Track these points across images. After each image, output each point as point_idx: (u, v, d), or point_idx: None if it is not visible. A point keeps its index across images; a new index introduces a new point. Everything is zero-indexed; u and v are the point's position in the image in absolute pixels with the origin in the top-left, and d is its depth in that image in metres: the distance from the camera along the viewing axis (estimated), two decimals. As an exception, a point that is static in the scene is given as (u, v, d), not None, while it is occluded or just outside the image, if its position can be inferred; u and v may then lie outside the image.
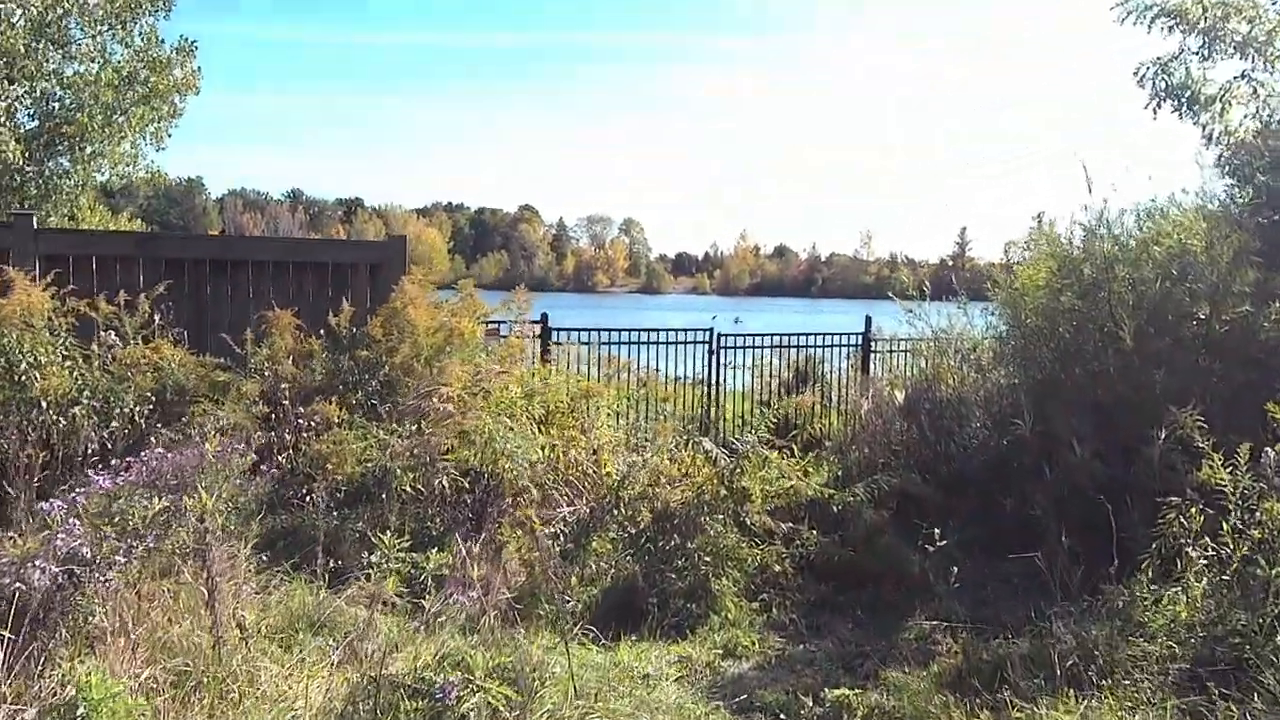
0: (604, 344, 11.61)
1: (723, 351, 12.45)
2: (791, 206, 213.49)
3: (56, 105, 33.54)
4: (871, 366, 13.09)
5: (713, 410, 12.46)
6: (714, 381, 12.46)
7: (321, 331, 8.42)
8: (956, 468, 8.33)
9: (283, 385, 7.62)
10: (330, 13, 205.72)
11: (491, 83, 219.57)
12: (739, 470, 7.61)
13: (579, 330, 11.63)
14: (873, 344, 13.13)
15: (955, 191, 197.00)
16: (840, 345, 13.13)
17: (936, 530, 6.37)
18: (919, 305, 10.94)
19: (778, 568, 7.24)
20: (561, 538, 6.83)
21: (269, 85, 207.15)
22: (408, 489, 6.86)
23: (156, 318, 7.97)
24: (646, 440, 9.20)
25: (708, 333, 12.38)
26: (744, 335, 12.61)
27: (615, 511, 7.08)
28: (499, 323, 10.55)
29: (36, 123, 33.53)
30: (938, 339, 10.93)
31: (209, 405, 7.22)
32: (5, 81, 31.92)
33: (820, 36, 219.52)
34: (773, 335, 12.82)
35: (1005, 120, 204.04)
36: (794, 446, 8.81)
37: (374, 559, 4.63)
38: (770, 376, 13.24)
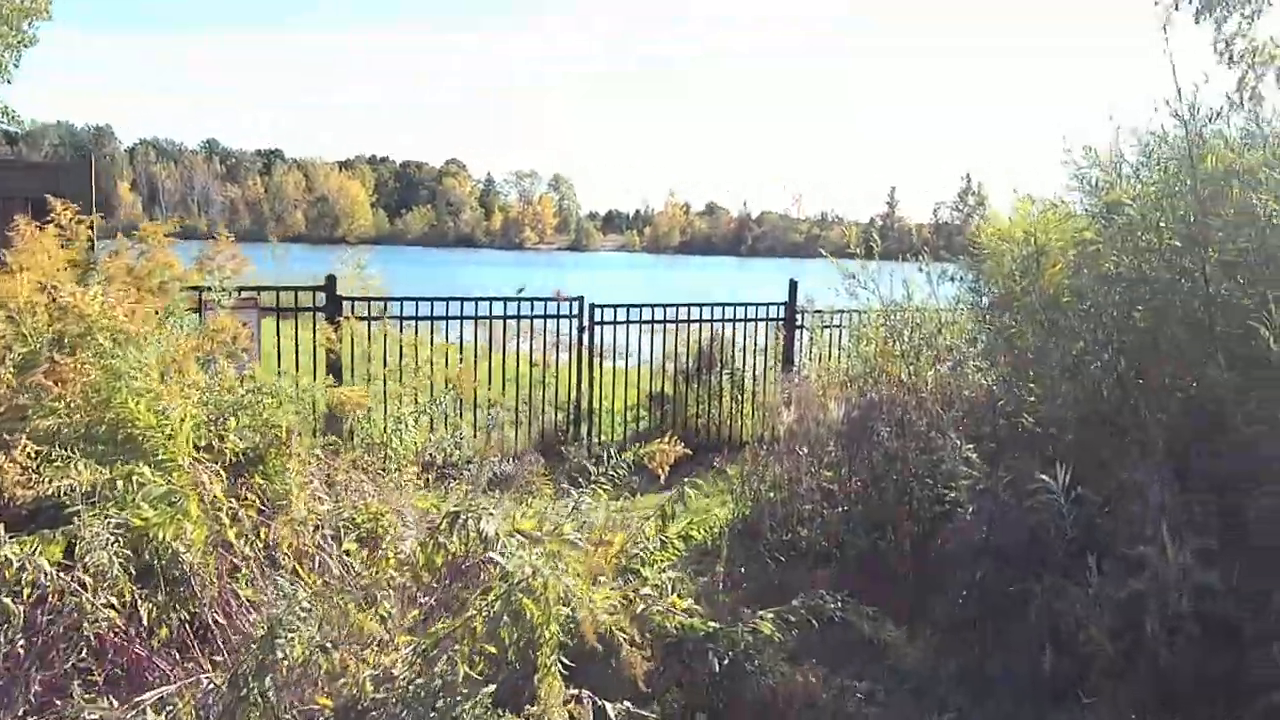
0: (410, 319, 8.14)
1: (600, 329, 9.05)
2: (723, 165, 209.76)
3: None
4: (798, 350, 9.81)
5: (586, 404, 9.07)
6: (587, 367, 9.06)
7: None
8: (933, 543, 5.06)
9: None
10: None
11: (420, 31, 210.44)
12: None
13: (386, 301, 8.14)
14: (800, 318, 9.85)
15: (882, 152, 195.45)
16: (758, 320, 9.81)
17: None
18: (863, 266, 7.64)
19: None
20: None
21: (179, 27, 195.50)
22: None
23: None
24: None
25: (577, 303, 8.95)
26: (629, 307, 9.22)
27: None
28: (249, 293, 7.06)
29: None
30: (890, 315, 7.65)
31: None
32: None
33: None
34: (666, 306, 9.45)
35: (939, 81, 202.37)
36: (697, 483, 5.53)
37: None
38: (667, 359, 9.91)
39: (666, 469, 5.08)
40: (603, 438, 9.62)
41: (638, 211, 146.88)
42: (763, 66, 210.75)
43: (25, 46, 31.49)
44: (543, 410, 9.05)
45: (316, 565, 4.41)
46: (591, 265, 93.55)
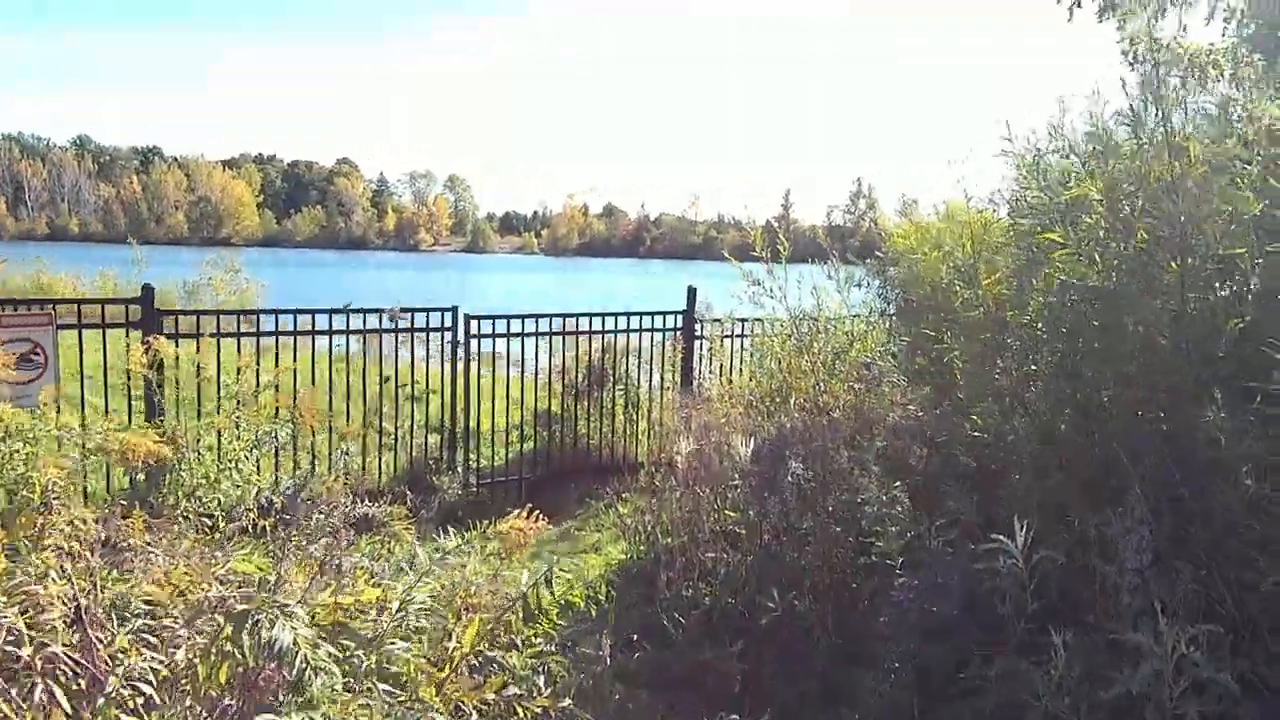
0: (250, 335, 6.98)
1: (476, 341, 8.00)
2: (622, 168, 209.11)
3: None
4: (698, 362, 8.94)
5: (462, 426, 8.02)
6: (463, 385, 8.01)
7: None
8: (861, 603, 4.21)
9: None
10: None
11: (302, 30, 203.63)
12: None
13: (219, 314, 6.94)
14: (699, 327, 8.98)
15: (780, 156, 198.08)
16: (654, 330, 8.90)
17: None
18: (769, 271, 6.82)
19: None
20: None
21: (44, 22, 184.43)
22: None
23: None
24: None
25: (450, 314, 7.88)
26: (510, 318, 8.20)
27: None
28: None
29: None
30: (799, 325, 6.84)
31: None
32: None
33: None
34: (551, 316, 8.46)
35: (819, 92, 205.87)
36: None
37: None
38: (555, 374, 8.93)
39: (530, 536, 4.08)
40: (483, 463, 8.59)
41: (536, 213, 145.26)
42: (662, 70, 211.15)
43: None
44: (411, 435, 7.96)
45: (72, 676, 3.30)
46: (488, 268, 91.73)
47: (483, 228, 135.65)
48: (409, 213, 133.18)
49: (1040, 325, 4.04)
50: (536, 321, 8.34)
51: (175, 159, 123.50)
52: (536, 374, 8.68)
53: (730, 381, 8.14)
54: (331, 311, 7.36)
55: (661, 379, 9.12)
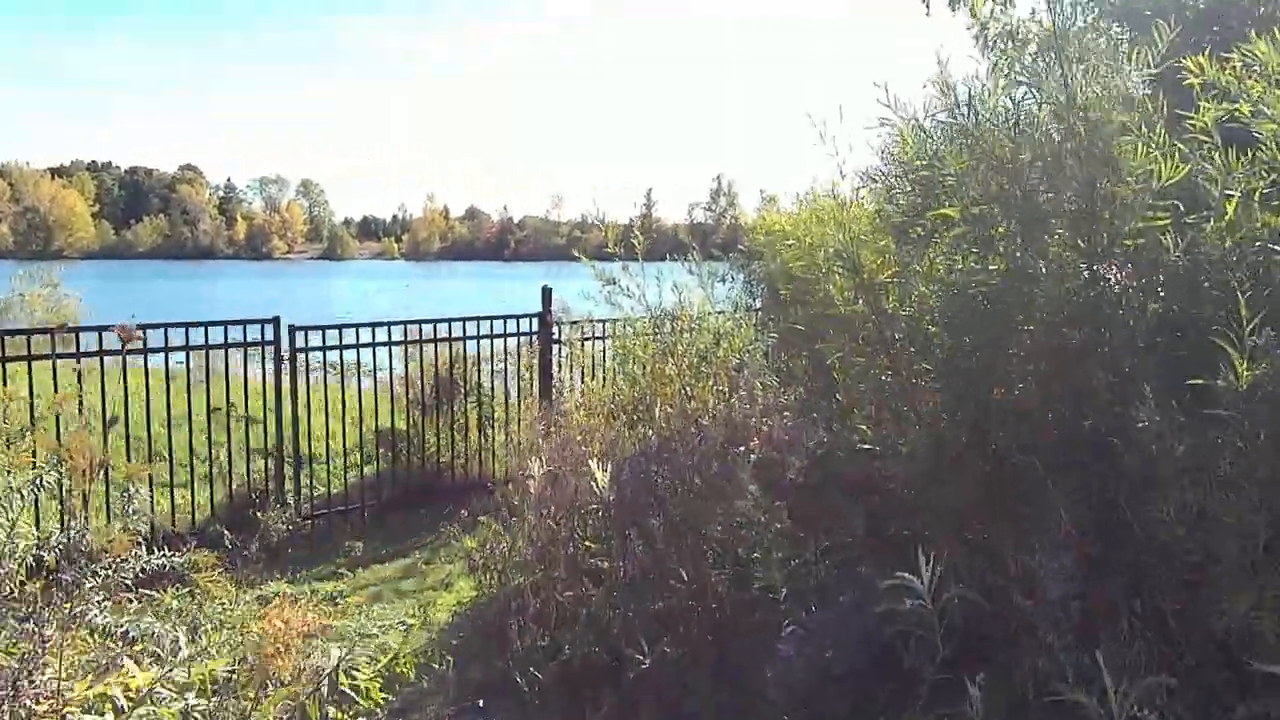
0: (15, 359, 5.88)
1: (305, 356, 7.08)
2: (482, 170, 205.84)
3: None
4: (556, 368, 8.24)
5: (291, 450, 7.09)
6: (289, 405, 7.07)
7: None
8: (740, 645, 3.59)
9: None
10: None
11: (141, 28, 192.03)
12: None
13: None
14: (556, 330, 8.29)
15: (639, 154, 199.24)
16: (506, 335, 8.16)
17: None
18: (624, 269, 6.21)
19: None
20: None
21: None
22: None
23: None
24: None
25: (271, 325, 6.94)
26: (342, 327, 7.31)
27: None
28: None
29: None
30: (660, 326, 6.24)
31: None
32: None
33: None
34: (390, 324, 7.60)
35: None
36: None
37: None
38: (398, 387, 8.09)
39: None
40: (319, 491, 7.66)
41: (395, 217, 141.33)
42: (522, 68, 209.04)
43: None
44: (230, 463, 6.97)
45: None
46: (346, 274, 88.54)
47: (340, 234, 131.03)
48: (260, 220, 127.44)
49: (928, 318, 3.52)
50: (373, 331, 7.47)
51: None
52: (376, 388, 7.80)
53: (589, 391, 7.48)
54: (166, 326, 6.33)
55: (519, 388, 8.39)
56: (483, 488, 7.17)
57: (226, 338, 6.74)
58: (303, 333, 7.02)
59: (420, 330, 7.79)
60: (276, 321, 6.92)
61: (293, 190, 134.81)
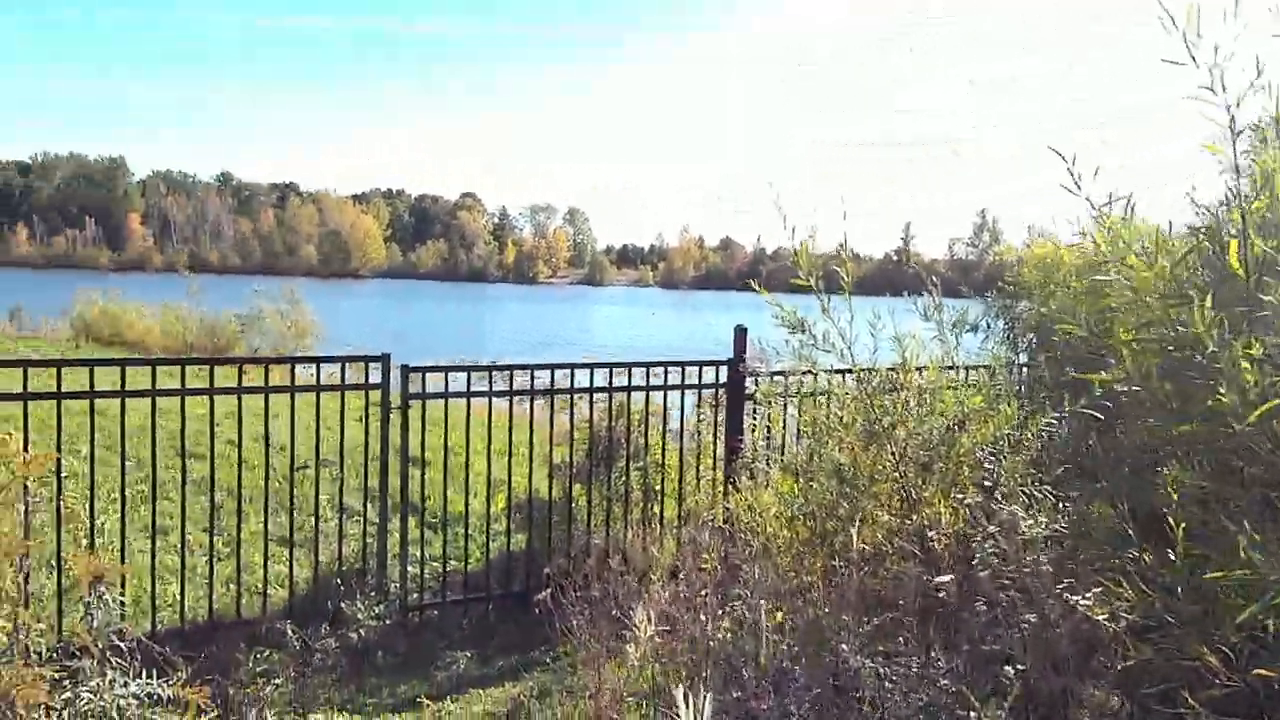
0: (44, 397, 4.66)
1: (423, 404, 5.59)
2: (739, 201, 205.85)
3: None
4: (749, 430, 6.29)
5: (398, 519, 5.60)
6: (399, 463, 5.59)
7: None
8: None
9: None
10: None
11: (427, 72, 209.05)
12: None
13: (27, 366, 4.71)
14: (750, 381, 6.34)
15: (900, 186, 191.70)
16: (686, 387, 6.32)
17: None
18: (826, 308, 4.22)
19: None
20: None
21: (189, 67, 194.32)
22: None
23: None
24: None
25: (380, 362, 5.49)
26: (473, 369, 5.78)
27: None
28: None
29: None
30: (868, 387, 4.18)
31: None
32: None
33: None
34: (533, 369, 5.96)
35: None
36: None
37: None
38: (543, 445, 6.46)
39: None
40: (430, 570, 6.13)
41: (653, 246, 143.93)
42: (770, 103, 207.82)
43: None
44: (317, 531, 5.56)
45: None
46: (600, 299, 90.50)
47: (600, 260, 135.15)
48: (528, 245, 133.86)
49: None
50: (510, 375, 5.88)
51: (309, 194, 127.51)
52: (511, 444, 6.18)
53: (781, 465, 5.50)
54: (267, 362, 5.06)
55: (699, 451, 6.53)
56: (640, 578, 5.38)
57: (318, 377, 5.35)
58: (419, 374, 5.54)
59: (572, 377, 6.12)
60: (385, 360, 5.47)
61: (559, 218, 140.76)
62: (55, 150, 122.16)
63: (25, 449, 3.95)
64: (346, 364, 5.44)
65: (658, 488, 6.34)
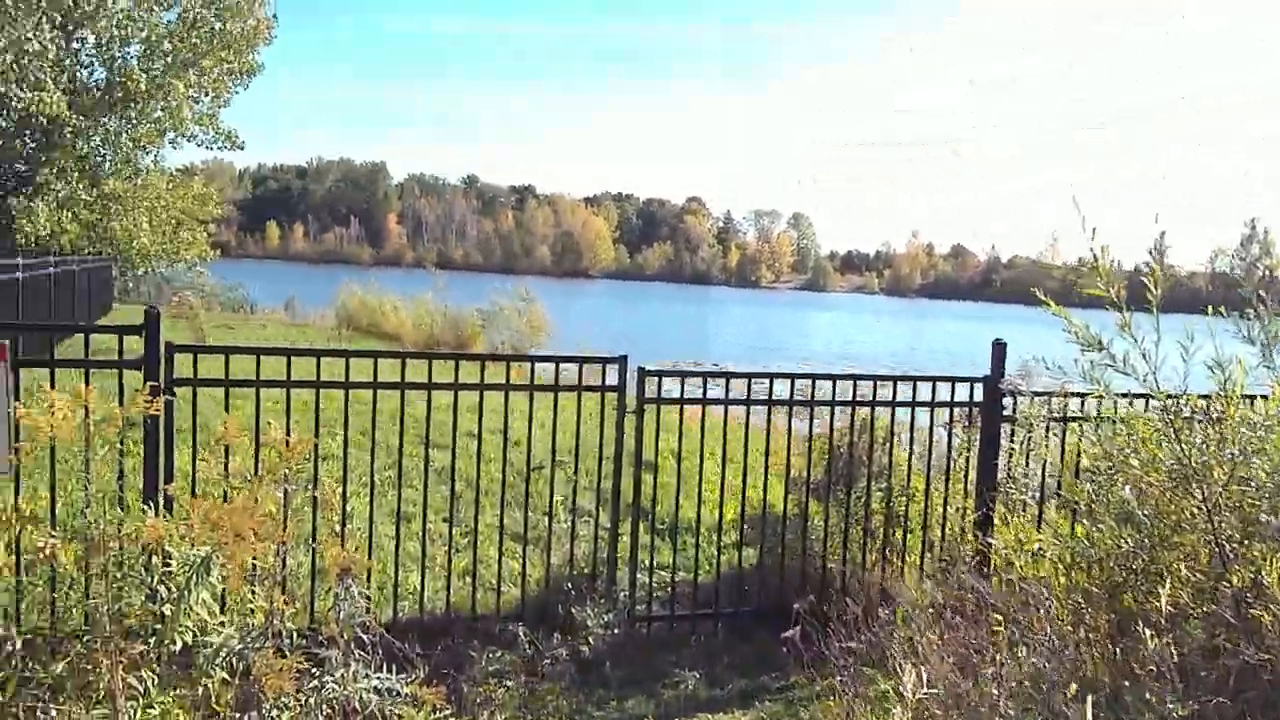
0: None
1: (653, 410, 5.42)
2: (971, 206, 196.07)
3: (120, 56, 29.50)
4: (1004, 460, 5.68)
5: (630, 523, 5.46)
6: (633, 467, 5.44)
7: None
8: None
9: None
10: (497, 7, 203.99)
11: (658, 76, 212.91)
12: None
13: (260, 353, 4.88)
14: (1008, 402, 5.72)
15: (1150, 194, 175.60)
16: (935, 404, 5.80)
17: None
18: (1124, 323, 3.60)
19: None
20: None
21: (442, 74, 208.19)
22: None
23: None
24: None
25: (617, 364, 5.35)
26: (709, 374, 5.54)
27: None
28: None
29: (104, 72, 29.70)
30: (1179, 423, 3.54)
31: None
32: (64, 27, 28.22)
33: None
34: (773, 375, 5.63)
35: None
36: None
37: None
38: (795, 453, 6.13)
39: None
40: (659, 579, 5.92)
41: (878, 252, 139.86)
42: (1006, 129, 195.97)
43: (249, 75, 31.80)
44: (550, 530, 5.47)
45: None
46: (822, 306, 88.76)
47: (823, 266, 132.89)
48: (751, 249, 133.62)
49: None
50: (749, 383, 5.58)
51: (545, 197, 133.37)
52: (747, 455, 5.83)
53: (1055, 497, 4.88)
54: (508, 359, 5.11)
55: (950, 475, 5.97)
56: (869, 610, 4.97)
57: (557, 377, 5.28)
58: (654, 378, 5.36)
59: (813, 388, 5.74)
60: (623, 362, 5.33)
61: (784, 222, 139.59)
62: (327, 156, 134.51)
63: (288, 433, 4.08)
64: (583, 364, 5.33)
65: (901, 511, 5.85)
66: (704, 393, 5.45)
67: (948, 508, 5.84)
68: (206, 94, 29.99)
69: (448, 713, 3.95)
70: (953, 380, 5.79)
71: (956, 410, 5.88)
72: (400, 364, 5.05)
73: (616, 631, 5.17)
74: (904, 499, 5.89)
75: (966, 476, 5.85)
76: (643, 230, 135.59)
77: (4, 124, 27.36)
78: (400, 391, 4.95)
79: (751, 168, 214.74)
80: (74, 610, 4.28)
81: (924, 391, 5.75)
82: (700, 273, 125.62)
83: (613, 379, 5.33)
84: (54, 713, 3.32)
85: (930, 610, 4.46)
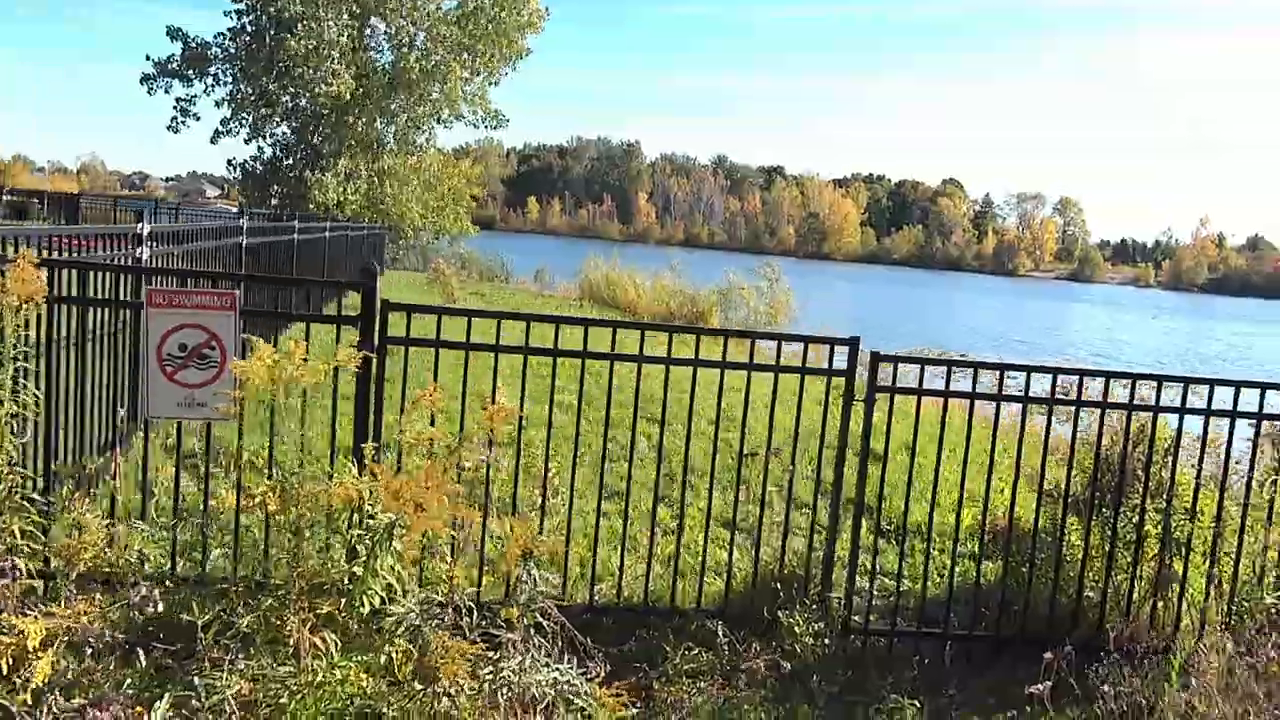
0: (484, 348, 4.49)
1: (884, 399, 4.78)
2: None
3: (407, 42, 31.84)
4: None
5: (852, 520, 4.88)
6: (859, 462, 4.83)
7: None
8: None
9: None
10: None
11: (918, 56, 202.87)
12: None
13: (442, 313, 4.69)
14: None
15: None
16: (1235, 414, 4.77)
17: None
18: None
19: None
20: None
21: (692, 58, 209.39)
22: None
23: None
24: None
25: (847, 346, 4.76)
26: (954, 364, 4.82)
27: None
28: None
29: (391, 57, 32.20)
30: None
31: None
32: (361, 15, 30.70)
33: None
34: (1029, 368, 4.80)
35: None
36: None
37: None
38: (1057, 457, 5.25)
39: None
40: (882, 587, 5.27)
41: (1158, 242, 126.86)
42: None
43: (519, 59, 33.34)
44: (761, 522, 4.95)
45: None
46: (1087, 298, 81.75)
47: (1091, 255, 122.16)
48: (1010, 236, 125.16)
49: None
50: (1000, 375, 4.81)
51: (794, 177, 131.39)
52: (994, 461, 5.03)
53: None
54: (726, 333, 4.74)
55: (1249, 494, 4.91)
56: (1141, 643, 4.17)
57: (778, 356, 4.75)
58: (889, 364, 4.72)
59: (1079, 386, 4.87)
60: (854, 345, 4.73)
61: (1049, 208, 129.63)
62: (586, 135, 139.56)
63: (493, 399, 3.85)
64: (809, 345, 4.78)
65: (1182, 538, 4.86)
66: (946, 384, 4.73)
67: (1244, 537, 4.80)
68: (478, 74, 31.63)
69: (633, 713, 3.60)
70: (1262, 386, 4.72)
71: (1265, 424, 4.80)
72: (611, 333, 4.73)
73: (827, 642, 4.62)
74: (1186, 522, 4.89)
75: (1272, 505, 4.78)
76: (892, 213, 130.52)
77: (306, 106, 30.18)
78: (609, 363, 4.62)
79: (1015, 150, 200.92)
80: (280, 562, 4.29)
81: (1203, 398, 4.73)
82: (952, 259, 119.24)
83: (841, 362, 4.75)
84: (242, 665, 3.27)
85: (1219, 667, 3.60)
